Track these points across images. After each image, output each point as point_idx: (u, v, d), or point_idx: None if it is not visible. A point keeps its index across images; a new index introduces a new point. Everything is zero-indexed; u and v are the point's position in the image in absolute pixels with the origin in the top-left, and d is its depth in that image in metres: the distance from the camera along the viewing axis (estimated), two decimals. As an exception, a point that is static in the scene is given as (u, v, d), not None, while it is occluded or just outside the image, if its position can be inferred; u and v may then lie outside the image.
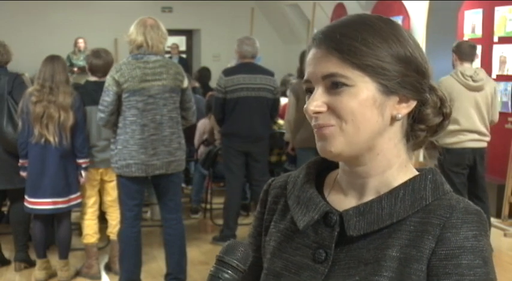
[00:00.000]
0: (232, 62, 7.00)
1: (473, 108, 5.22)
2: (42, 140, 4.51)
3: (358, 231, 1.08)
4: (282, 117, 6.30)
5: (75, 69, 10.74)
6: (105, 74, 4.51)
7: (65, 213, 4.78)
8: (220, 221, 6.22)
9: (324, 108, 1.08)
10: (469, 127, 5.22)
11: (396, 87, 1.08)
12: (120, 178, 4.28)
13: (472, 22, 7.60)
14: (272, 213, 1.24)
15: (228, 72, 5.68)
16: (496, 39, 7.20)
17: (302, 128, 5.66)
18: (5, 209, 6.14)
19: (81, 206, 4.88)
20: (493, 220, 6.20)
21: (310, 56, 1.11)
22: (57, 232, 4.87)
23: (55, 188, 4.58)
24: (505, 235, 6.10)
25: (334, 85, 1.07)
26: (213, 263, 1.07)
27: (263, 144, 5.79)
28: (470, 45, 5.35)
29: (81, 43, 11.22)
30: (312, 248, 1.13)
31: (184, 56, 13.18)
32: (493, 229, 5.97)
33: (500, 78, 7.06)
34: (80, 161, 4.66)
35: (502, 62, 7.10)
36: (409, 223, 1.07)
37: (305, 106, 1.10)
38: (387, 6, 8.62)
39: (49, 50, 5.79)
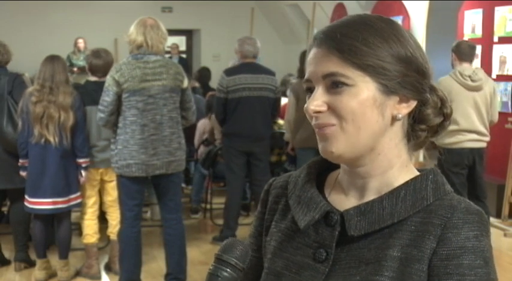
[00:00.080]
0: (231, 62, 7.00)
1: (472, 108, 5.22)
2: (42, 140, 4.51)
3: (359, 231, 1.08)
4: (282, 117, 6.31)
5: (75, 69, 10.74)
6: (105, 74, 4.51)
7: (65, 213, 4.78)
8: (220, 221, 6.22)
9: (324, 108, 1.08)
10: (468, 127, 5.22)
11: (396, 87, 1.08)
12: (120, 177, 4.28)
13: (472, 22, 7.60)
14: (273, 213, 1.24)
15: (229, 72, 5.68)
16: (496, 39, 7.20)
17: (302, 128, 5.66)
18: (5, 209, 6.14)
19: (81, 206, 4.88)
20: (493, 220, 6.21)
21: (311, 55, 1.11)
22: (57, 232, 4.87)
23: (55, 188, 4.58)
24: (505, 235, 6.10)
25: (335, 85, 1.07)
26: (212, 263, 1.07)
27: (265, 144, 5.79)
28: (470, 46, 5.35)
29: (80, 43, 11.22)
30: (313, 248, 1.13)
31: (184, 56, 13.18)
32: (493, 229, 5.97)
33: (500, 78, 7.05)
34: (80, 160, 4.66)
35: (502, 62, 7.10)
36: (410, 223, 1.07)
37: (305, 105, 1.10)
38: (387, 6, 8.62)
39: (49, 50, 5.79)
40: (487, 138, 5.37)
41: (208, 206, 6.68)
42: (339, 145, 1.08)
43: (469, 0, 7.66)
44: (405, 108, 1.10)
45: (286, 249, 1.16)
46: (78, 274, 4.97)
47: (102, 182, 4.93)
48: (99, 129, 4.70)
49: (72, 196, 4.68)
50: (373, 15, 1.13)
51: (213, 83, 9.52)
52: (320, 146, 1.11)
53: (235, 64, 6.12)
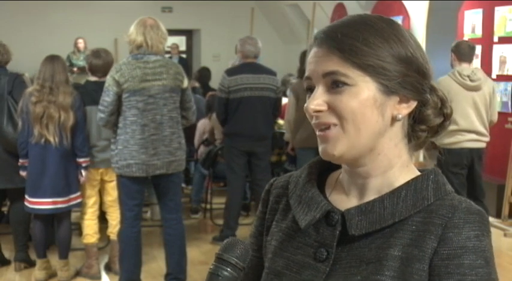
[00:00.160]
0: (231, 62, 7.00)
1: (471, 108, 5.23)
2: (42, 140, 4.51)
3: (360, 230, 1.08)
4: (282, 117, 6.31)
5: (75, 69, 10.74)
6: (105, 74, 4.51)
7: (65, 213, 4.78)
8: (220, 221, 6.22)
9: (324, 107, 1.08)
10: (467, 127, 5.22)
11: (397, 88, 1.08)
12: (120, 177, 4.28)
13: (472, 22, 7.61)
14: (274, 213, 1.24)
15: (231, 72, 5.68)
16: (496, 39, 7.20)
17: (302, 128, 5.66)
18: (5, 209, 6.14)
19: (81, 206, 4.88)
20: (493, 220, 6.21)
21: (311, 54, 1.12)
22: (57, 232, 4.87)
23: (55, 188, 4.58)
24: (505, 235, 6.10)
25: (335, 84, 1.07)
26: (212, 263, 1.07)
27: (266, 143, 5.79)
28: (469, 46, 5.35)
29: (80, 43, 11.22)
30: (314, 247, 1.13)
31: (184, 56, 13.18)
32: (493, 229, 5.92)
33: (500, 78, 7.06)
34: (80, 160, 4.66)
35: (502, 62, 7.10)
36: (411, 222, 1.07)
37: (305, 105, 1.10)
38: (387, 6, 8.62)
39: (49, 50, 5.79)
40: (487, 139, 5.37)
41: (208, 206, 6.68)
42: (339, 146, 1.08)
43: (469, 0, 7.66)
44: (405, 109, 1.10)
45: (286, 249, 1.16)
46: (78, 274, 4.97)
47: (102, 182, 4.93)
48: (99, 129, 4.70)
49: (72, 196, 4.68)
50: (374, 15, 1.13)
51: (213, 83, 9.52)
52: (320, 148, 1.11)
53: (236, 64, 6.12)
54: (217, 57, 12.68)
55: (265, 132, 5.74)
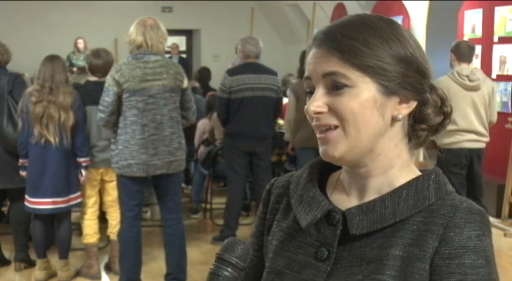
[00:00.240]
0: (231, 62, 6.99)
1: (470, 108, 5.23)
2: (42, 140, 4.51)
3: (361, 230, 1.08)
4: (282, 118, 6.31)
5: (75, 69, 10.74)
6: (105, 74, 4.51)
7: (65, 213, 4.78)
8: (220, 221, 6.22)
9: (324, 109, 1.08)
10: (467, 127, 5.22)
11: (397, 88, 1.08)
12: (120, 178, 4.28)
13: (472, 22, 7.61)
14: (274, 212, 1.24)
15: (232, 72, 5.67)
16: (496, 39, 7.20)
17: (302, 128, 5.66)
18: (5, 209, 6.14)
19: (81, 206, 4.88)
20: (493, 220, 6.21)
21: (310, 55, 1.11)
22: (57, 232, 4.87)
23: (55, 188, 4.58)
24: (505, 235, 6.10)
25: (335, 86, 1.07)
26: (213, 263, 1.07)
27: (267, 143, 5.80)
28: (469, 46, 5.35)
29: (80, 44, 11.22)
30: (315, 247, 1.13)
31: (184, 56, 13.18)
32: (493, 229, 5.90)
33: (500, 78, 7.06)
34: (80, 160, 4.66)
35: (502, 62, 7.10)
36: (412, 222, 1.08)
37: (306, 106, 1.10)
38: (387, 6, 8.62)
39: (49, 50, 5.78)
40: (486, 139, 5.37)
41: (208, 206, 6.67)
42: (340, 147, 1.08)
43: (469, 0, 7.66)
44: (405, 109, 1.10)
45: (287, 248, 1.17)
46: (78, 274, 4.97)
47: (102, 182, 4.93)
48: (99, 129, 4.70)
49: (72, 196, 4.68)
50: (373, 15, 1.13)
51: (213, 83, 9.53)
52: (321, 150, 1.11)
53: (236, 64, 6.11)
54: (217, 57, 12.68)
55: (267, 132, 5.74)
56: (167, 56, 8.14)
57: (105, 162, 4.73)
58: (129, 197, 4.29)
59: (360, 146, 1.08)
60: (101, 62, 4.78)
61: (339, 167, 1.19)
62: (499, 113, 5.59)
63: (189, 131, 6.16)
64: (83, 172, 4.68)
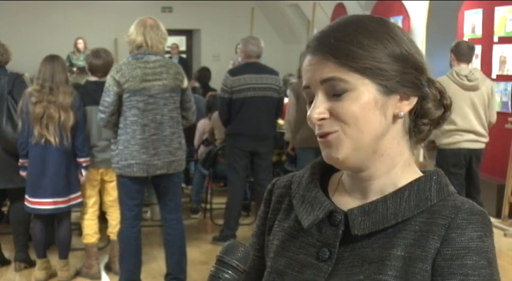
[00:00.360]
0: (231, 62, 6.99)
1: (470, 108, 5.23)
2: (43, 140, 4.51)
3: (363, 230, 1.08)
4: (282, 118, 6.31)
5: (75, 69, 10.74)
6: (105, 74, 4.51)
7: (65, 213, 4.78)
8: (220, 221, 6.22)
9: (326, 115, 1.08)
10: (466, 127, 5.22)
11: (396, 86, 1.08)
12: (120, 178, 4.28)
13: (472, 22, 7.61)
14: (276, 212, 1.24)
15: (234, 72, 5.67)
16: (496, 39, 7.20)
17: (302, 128, 5.66)
18: (5, 209, 6.14)
19: (81, 206, 4.88)
20: (493, 220, 6.17)
21: (306, 62, 1.11)
22: (57, 232, 4.87)
23: (55, 188, 4.58)
24: (505, 235, 6.11)
25: (335, 91, 1.07)
26: (213, 263, 1.07)
27: (269, 143, 5.81)
28: (469, 46, 5.35)
29: (80, 44, 11.22)
30: (316, 247, 1.13)
31: (184, 56, 13.18)
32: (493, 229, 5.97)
33: (500, 78, 7.06)
34: (81, 160, 4.66)
35: (502, 62, 7.10)
36: (414, 222, 1.08)
37: (308, 114, 1.10)
38: (387, 6, 8.62)
39: (49, 50, 5.78)
40: (485, 140, 5.36)
41: (208, 206, 6.68)
42: (343, 150, 1.08)
43: (469, 0, 7.66)
44: (407, 106, 1.10)
45: (289, 248, 1.17)
46: (78, 274, 4.97)
47: (103, 182, 4.93)
48: (100, 130, 4.70)
49: (73, 196, 4.68)
50: (364, 16, 1.12)
51: (213, 83, 9.53)
52: (324, 153, 1.11)
53: (236, 64, 6.11)
54: (217, 57, 12.69)
55: (268, 132, 5.75)
56: (167, 56, 8.14)
57: (105, 162, 4.73)
58: (129, 197, 4.29)
59: (363, 147, 1.08)
60: (101, 62, 4.78)
61: (340, 167, 1.19)
62: (499, 113, 5.59)
63: (189, 131, 6.16)
64: (83, 172, 4.68)
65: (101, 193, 5.01)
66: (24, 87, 4.77)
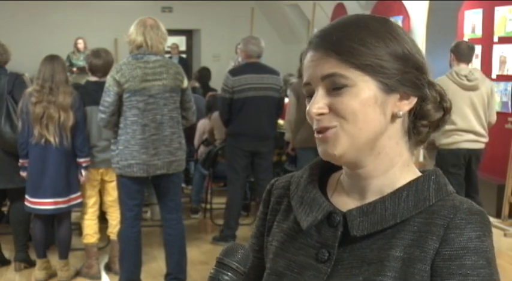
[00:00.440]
0: (231, 62, 7.00)
1: (469, 108, 5.23)
2: (43, 140, 4.51)
3: (362, 231, 1.08)
4: (282, 118, 6.31)
5: (75, 69, 10.74)
6: (105, 74, 4.51)
7: (65, 213, 4.78)
8: (220, 221, 6.22)
9: (326, 110, 1.08)
10: (465, 127, 5.22)
11: (396, 85, 1.09)
12: (120, 178, 4.28)
13: (472, 22, 7.61)
14: (275, 213, 1.24)
15: (235, 72, 5.67)
16: (496, 39, 7.20)
17: (302, 128, 5.66)
18: (5, 209, 6.14)
19: (81, 206, 4.88)
20: (493, 220, 6.21)
21: (307, 58, 1.11)
22: (57, 232, 4.87)
23: (55, 188, 4.58)
24: (505, 235, 6.10)
25: (335, 86, 1.07)
26: (213, 263, 1.07)
27: (270, 143, 5.81)
28: (469, 46, 5.35)
29: (80, 44, 11.22)
30: (315, 248, 1.13)
31: (184, 56, 13.18)
32: (493, 229, 5.95)
33: (500, 78, 7.06)
34: (81, 160, 4.66)
35: (502, 62, 7.10)
36: (412, 223, 1.07)
37: (307, 109, 1.10)
38: (387, 6, 8.62)
39: (49, 50, 5.78)
40: (485, 140, 5.36)
41: (208, 206, 6.68)
42: (340, 145, 1.08)
43: (469, 0, 7.66)
44: (406, 105, 1.10)
45: (288, 249, 1.16)
46: (78, 274, 4.97)
47: (103, 182, 4.93)
48: (100, 130, 4.70)
49: (73, 196, 4.68)
50: (367, 16, 1.13)
51: (213, 83, 9.52)
52: (320, 149, 1.11)
53: (237, 63, 6.11)
54: (217, 57, 12.69)
55: (269, 132, 5.75)
56: (167, 56, 8.14)
57: (105, 162, 4.73)
58: (129, 197, 4.29)
59: (360, 144, 1.08)
60: (101, 62, 4.78)
61: (339, 168, 1.19)
62: (499, 113, 5.59)
63: (189, 131, 6.16)
64: (83, 172, 4.68)
65: (101, 193, 5.01)
66: (24, 88, 4.77)
